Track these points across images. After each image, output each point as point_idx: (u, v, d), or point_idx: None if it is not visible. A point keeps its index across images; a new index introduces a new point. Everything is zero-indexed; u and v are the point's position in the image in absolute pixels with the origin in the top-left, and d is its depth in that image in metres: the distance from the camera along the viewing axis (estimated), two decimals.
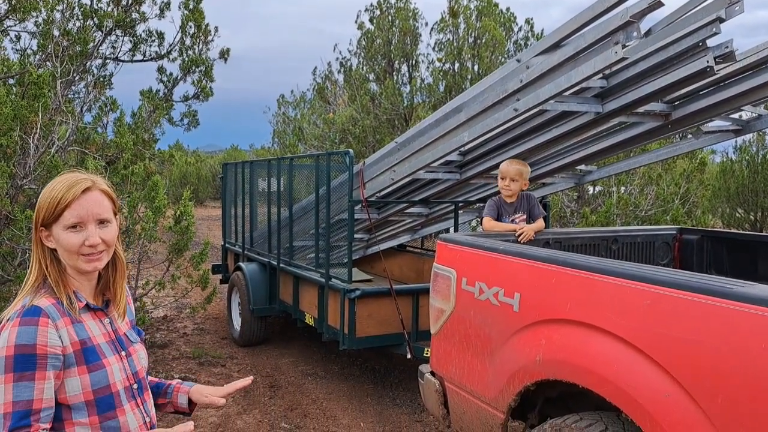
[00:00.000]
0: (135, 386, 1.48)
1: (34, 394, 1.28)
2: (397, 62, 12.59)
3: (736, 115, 3.95)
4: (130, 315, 1.60)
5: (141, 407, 1.48)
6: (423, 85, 11.98)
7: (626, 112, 3.34)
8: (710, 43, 2.70)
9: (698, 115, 3.54)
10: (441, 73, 11.50)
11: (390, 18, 12.48)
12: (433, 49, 12.07)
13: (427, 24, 12.49)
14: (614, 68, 3.02)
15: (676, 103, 3.59)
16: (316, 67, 14.77)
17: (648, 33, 3.01)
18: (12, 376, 1.27)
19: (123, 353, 1.47)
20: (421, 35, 12.43)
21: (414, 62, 12.60)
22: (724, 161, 12.46)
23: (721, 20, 2.59)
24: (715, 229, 4.49)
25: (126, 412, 1.43)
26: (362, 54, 12.97)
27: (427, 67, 12.34)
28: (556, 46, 3.24)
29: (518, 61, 3.57)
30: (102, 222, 1.41)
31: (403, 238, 6.36)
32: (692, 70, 2.75)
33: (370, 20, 12.63)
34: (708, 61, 2.66)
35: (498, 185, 3.70)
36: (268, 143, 20.32)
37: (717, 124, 4.04)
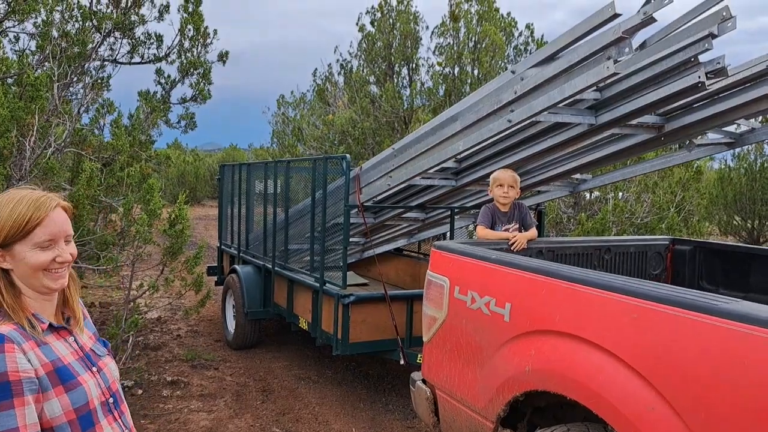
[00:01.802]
0: (111, 400, 1.47)
1: (18, 422, 1.25)
2: (397, 65, 12.63)
3: (731, 128, 3.97)
4: (92, 328, 1.57)
5: (119, 420, 1.47)
6: (423, 89, 12.02)
7: (619, 124, 3.37)
8: (702, 58, 2.73)
9: (691, 128, 3.56)
10: (441, 77, 11.54)
11: (391, 21, 12.51)
12: (434, 52, 12.13)
13: (427, 27, 12.53)
14: (607, 81, 3.04)
15: (670, 115, 3.62)
16: (316, 69, 14.81)
17: (642, 46, 3.03)
18: None
19: (94, 369, 1.45)
20: (421, 39, 12.48)
21: (414, 65, 12.64)
22: (722, 168, 12.48)
23: (713, 36, 2.61)
24: (708, 241, 4.52)
25: (104, 427, 1.41)
26: (363, 56, 13.01)
27: (427, 71, 12.40)
28: (550, 58, 3.26)
29: (513, 72, 3.59)
30: (67, 238, 1.41)
31: (399, 242, 6.38)
32: (684, 84, 2.77)
33: (371, 23, 12.66)
34: (699, 77, 2.68)
35: (492, 194, 3.68)
36: (267, 143, 20.38)
37: (710, 136, 4.07)
